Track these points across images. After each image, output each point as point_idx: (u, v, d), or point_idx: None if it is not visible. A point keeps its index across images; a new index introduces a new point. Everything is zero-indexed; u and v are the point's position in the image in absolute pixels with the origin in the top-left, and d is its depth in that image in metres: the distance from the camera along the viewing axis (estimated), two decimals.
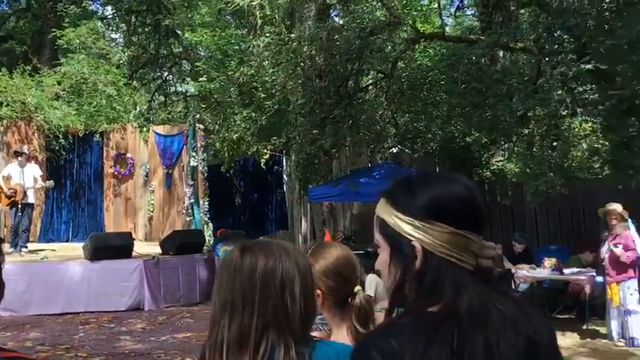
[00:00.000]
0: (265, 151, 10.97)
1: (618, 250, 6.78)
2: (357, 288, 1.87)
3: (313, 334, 1.84)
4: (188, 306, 9.39)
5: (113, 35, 19.90)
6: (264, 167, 11.55)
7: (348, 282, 1.86)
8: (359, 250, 8.35)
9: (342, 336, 1.78)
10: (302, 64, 9.36)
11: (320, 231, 11.68)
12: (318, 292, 1.82)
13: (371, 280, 5.54)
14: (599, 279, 7.31)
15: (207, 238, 11.03)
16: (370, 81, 11.47)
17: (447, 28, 13.60)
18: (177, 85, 17.36)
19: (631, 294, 6.81)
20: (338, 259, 1.89)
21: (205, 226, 11.36)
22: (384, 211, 1.15)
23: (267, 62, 10.64)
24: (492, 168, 11.99)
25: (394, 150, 12.33)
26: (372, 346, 1.04)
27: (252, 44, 10.07)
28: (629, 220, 6.99)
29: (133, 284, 9.12)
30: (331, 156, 10.59)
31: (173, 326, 7.97)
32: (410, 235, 1.10)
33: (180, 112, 11.86)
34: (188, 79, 13.34)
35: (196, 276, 9.90)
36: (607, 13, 8.31)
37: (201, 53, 15.78)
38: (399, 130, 11.31)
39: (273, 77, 10.11)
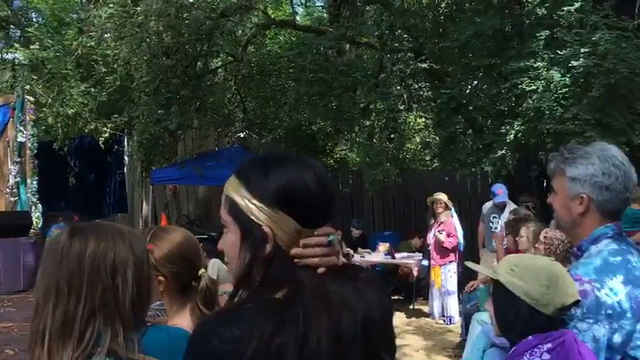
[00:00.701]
0: (105, 129, 10.32)
1: (442, 236, 7.41)
2: (202, 271, 1.84)
3: (149, 319, 1.79)
4: (10, 294, 8.60)
5: None
6: (103, 146, 10.87)
7: (192, 265, 1.83)
8: (203, 235, 8.24)
9: (185, 322, 1.74)
10: (148, 39, 8.94)
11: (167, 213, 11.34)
12: (161, 278, 1.78)
13: (214, 263, 5.51)
14: (425, 263, 7.92)
15: (34, 220, 10.15)
16: (220, 63, 11.30)
17: (298, 17, 13.83)
18: (4, 52, 15.68)
19: (451, 276, 7.50)
20: (181, 244, 1.84)
21: (33, 208, 10.44)
22: (235, 191, 1.11)
23: (109, 35, 10.01)
24: (336, 157, 12.47)
25: (242, 135, 12.31)
26: (211, 333, 1.02)
27: (93, 14, 9.39)
28: (452, 209, 7.67)
29: None
30: (176, 138, 10.28)
31: None
32: (261, 221, 1.08)
33: (7, 81, 10.73)
34: (17, 45, 12.08)
35: (20, 261, 9.08)
36: (442, 17, 9.00)
37: (34, 19, 14.41)
38: (248, 114, 11.30)
39: (116, 51, 9.54)
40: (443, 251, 7.48)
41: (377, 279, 1.22)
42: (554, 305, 1.57)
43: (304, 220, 1.08)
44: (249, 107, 11.48)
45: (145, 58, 9.08)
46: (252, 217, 1.08)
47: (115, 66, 9.82)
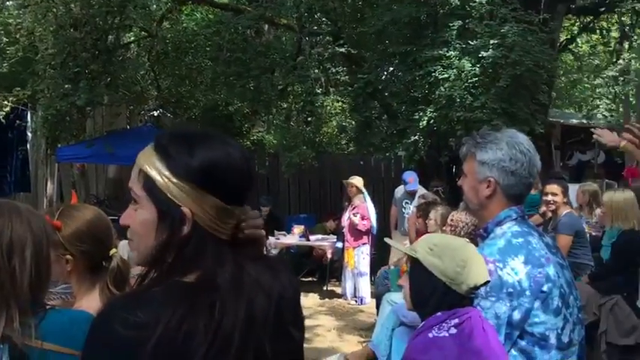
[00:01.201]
0: (6, 102, 9.67)
1: (357, 219, 7.56)
2: (113, 251, 1.79)
3: (54, 303, 1.71)
4: None
5: None
6: (3, 121, 10.19)
7: (102, 245, 1.77)
8: (113, 216, 7.94)
9: (93, 303, 1.68)
10: (54, 9, 8.42)
11: (68, 194, 10.82)
12: (69, 257, 1.70)
13: (124, 245, 5.34)
14: (339, 245, 8.06)
15: None
16: (132, 38, 10.85)
17: None
18: None
19: (363, 258, 7.68)
20: (91, 221, 1.77)
21: None
22: (152, 165, 1.04)
23: (11, 2, 9.35)
24: (252, 138, 12.36)
25: (155, 113, 11.93)
26: (114, 317, 0.96)
27: None
28: (365, 192, 7.83)
29: None
30: (85, 114, 9.80)
31: None
32: (180, 201, 1.02)
33: None
34: None
35: None
36: (360, 3, 9.08)
37: None
38: (162, 93, 10.95)
39: (19, 20, 8.94)
40: (357, 233, 7.63)
41: (282, 258, 1.24)
42: (467, 284, 1.64)
43: (228, 200, 1.05)
44: (163, 85, 11.12)
45: (51, 29, 8.56)
46: (171, 197, 1.02)
47: (18, 36, 9.21)
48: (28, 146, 11.96)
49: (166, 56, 10.26)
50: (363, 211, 7.61)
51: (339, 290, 8.08)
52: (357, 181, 7.73)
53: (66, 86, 8.20)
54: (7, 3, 9.41)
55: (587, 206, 6.09)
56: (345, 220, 7.77)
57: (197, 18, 11.40)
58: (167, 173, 1.03)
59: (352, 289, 7.71)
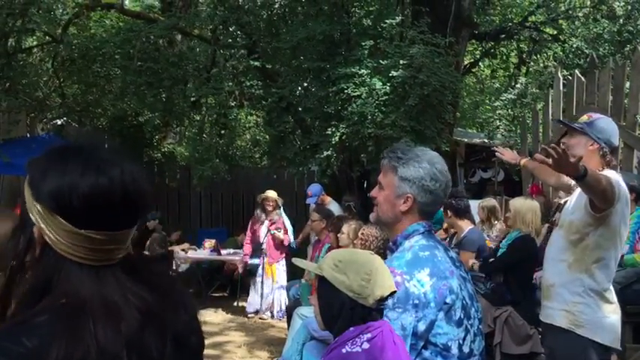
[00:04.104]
0: None
1: (281, 234, 7.53)
2: None
3: None
4: None
5: None
6: None
7: None
8: None
9: None
10: None
11: None
12: None
13: None
14: (256, 261, 7.68)
15: None
16: (35, 43, 10.32)
17: (127, 2, 13.12)
18: None
19: (283, 271, 7.66)
20: None
21: None
22: (26, 183, 1.05)
23: None
24: (163, 150, 12.06)
25: (59, 122, 11.36)
26: None
27: None
28: (281, 207, 7.82)
29: None
30: None
31: None
32: (36, 221, 1.02)
33: None
34: None
35: None
36: (275, 18, 9.14)
37: None
38: (67, 100, 10.46)
39: None
40: (279, 248, 7.60)
41: (176, 279, 1.22)
42: (373, 297, 1.67)
43: (83, 224, 1.01)
44: (68, 93, 10.63)
45: None
46: (31, 216, 1.03)
47: None
48: None
49: (72, 63, 9.81)
50: (282, 225, 7.61)
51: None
52: (274, 195, 7.70)
53: None
54: None
55: (487, 221, 6.41)
56: (263, 236, 7.64)
57: (106, 25, 11.02)
58: (28, 189, 1.04)
59: (270, 303, 7.59)
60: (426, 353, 1.77)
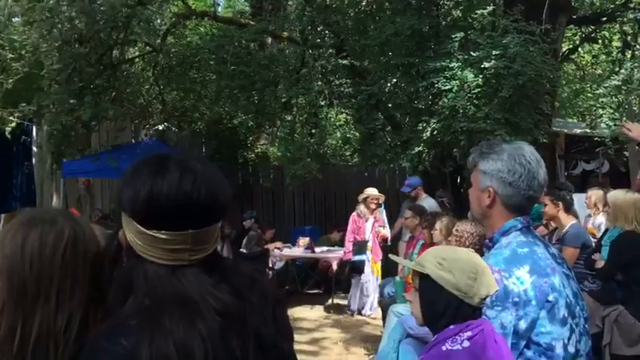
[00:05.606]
0: (12, 118, 9.73)
1: (387, 231, 7.55)
2: None
3: None
4: None
5: None
6: (9, 137, 10.25)
7: None
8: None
9: None
10: (59, 25, 8.50)
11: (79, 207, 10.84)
12: None
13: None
14: (361, 257, 7.54)
15: None
16: (137, 53, 10.94)
17: (219, 9, 13.61)
18: None
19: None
20: None
21: None
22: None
23: (16, 19, 9.44)
24: (257, 151, 12.40)
25: (160, 127, 11.98)
26: (100, 349, 1.02)
27: None
28: (382, 204, 7.82)
29: None
30: (90, 129, 9.85)
31: None
32: (123, 227, 1.14)
33: None
34: None
35: None
36: (363, 15, 9.14)
37: None
38: (166, 106, 11.01)
39: (24, 37, 9.02)
40: (380, 246, 7.61)
41: (257, 280, 1.24)
42: (479, 296, 1.64)
43: (148, 224, 1.10)
44: (167, 99, 11.19)
45: (56, 44, 8.63)
46: (122, 222, 1.15)
47: (23, 52, 9.28)
48: (33, 161, 12.01)
49: (171, 70, 10.32)
50: (383, 223, 7.63)
51: (345, 302, 8.03)
52: (378, 193, 7.70)
53: (71, 101, 8.25)
54: (13, 20, 9.49)
55: (594, 208, 6.08)
56: (367, 233, 7.62)
57: (201, 32, 11.49)
58: (117, 202, 1.17)
59: (362, 301, 7.59)
60: (529, 353, 1.72)
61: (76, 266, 1.19)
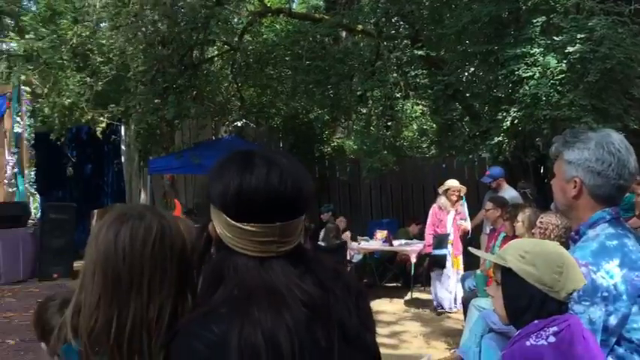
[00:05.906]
0: (102, 119, 10.30)
1: (468, 224, 7.40)
2: None
3: None
4: (10, 284, 8.64)
5: None
6: (100, 136, 10.86)
7: None
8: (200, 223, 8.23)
9: None
10: (144, 29, 8.90)
11: (160, 204, 11.33)
12: None
13: None
14: (443, 251, 7.36)
15: (33, 211, 10.18)
16: (216, 52, 11.27)
17: (294, 5, 13.76)
18: None
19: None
20: None
21: (31, 198, 10.46)
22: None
23: (104, 24, 9.96)
24: (333, 144, 12.47)
25: (239, 124, 12.29)
26: (191, 334, 1.07)
27: (87, 3, 9.33)
28: (464, 197, 7.63)
29: None
30: (174, 127, 10.27)
31: None
32: (212, 219, 1.18)
33: (2, 72, 10.65)
34: (13, 34, 11.97)
35: (20, 252, 9.10)
36: (438, 4, 8.96)
37: (32, 8, 14.27)
38: (244, 103, 11.29)
39: (111, 41, 9.50)
40: (461, 239, 7.45)
41: (340, 270, 1.26)
42: (566, 291, 1.58)
43: (237, 217, 1.14)
44: (245, 96, 11.46)
45: (141, 47, 9.05)
46: (211, 215, 1.19)
47: (111, 55, 9.78)
48: (122, 159, 12.66)
49: (248, 68, 10.57)
50: (465, 216, 7.47)
51: (424, 296, 7.94)
52: (459, 185, 7.48)
53: (155, 101, 8.63)
54: (101, 25, 10.00)
55: None
56: (450, 226, 7.39)
57: (277, 29, 11.67)
58: (206, 196, 1.21)
59: (443, 295, 7.42)
60: (620, 350, 1.65)
61: (164, 259, 1.23)
